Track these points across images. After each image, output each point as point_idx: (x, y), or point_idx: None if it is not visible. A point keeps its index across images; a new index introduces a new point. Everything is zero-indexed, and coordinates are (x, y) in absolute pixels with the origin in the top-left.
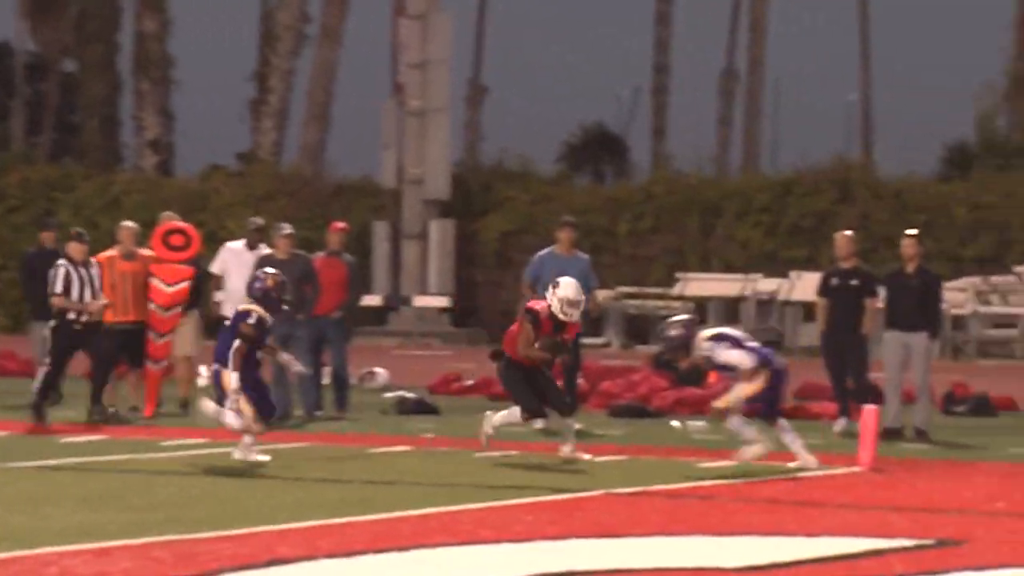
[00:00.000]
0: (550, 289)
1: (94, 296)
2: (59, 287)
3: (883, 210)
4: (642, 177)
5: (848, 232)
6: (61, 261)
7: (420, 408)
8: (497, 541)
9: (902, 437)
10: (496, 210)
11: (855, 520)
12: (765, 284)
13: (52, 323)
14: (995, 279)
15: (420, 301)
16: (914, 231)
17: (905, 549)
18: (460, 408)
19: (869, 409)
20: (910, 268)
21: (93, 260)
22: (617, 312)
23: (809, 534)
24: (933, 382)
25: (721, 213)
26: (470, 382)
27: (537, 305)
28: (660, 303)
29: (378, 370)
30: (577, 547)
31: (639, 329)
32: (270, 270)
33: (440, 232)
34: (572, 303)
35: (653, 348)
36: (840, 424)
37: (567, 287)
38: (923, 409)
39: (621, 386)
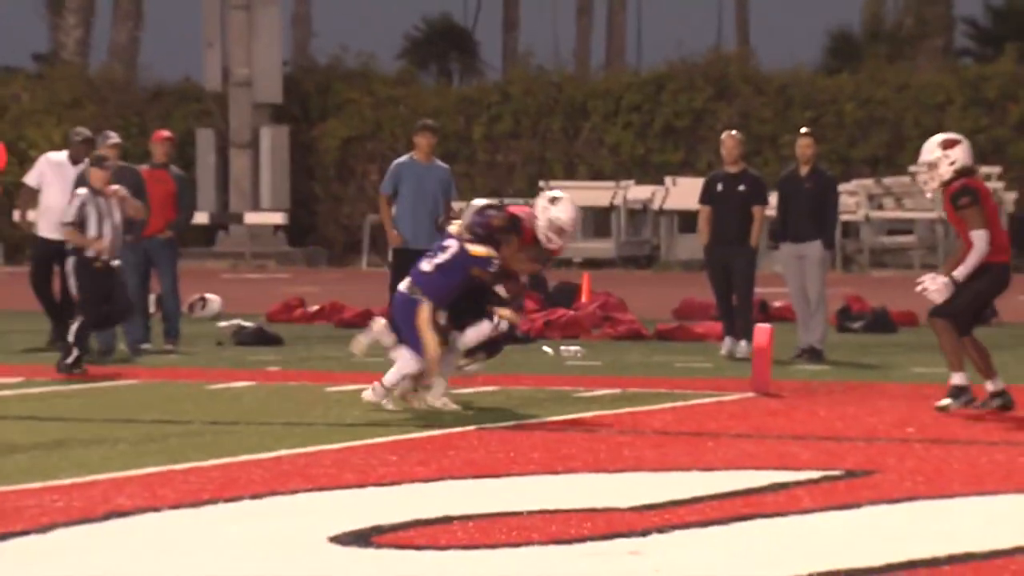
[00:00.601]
0: (542, 201)
1: (113, 231)
2: (72, 215)
3: (765, 107)
4: (493, 75)
5: (735, 132)
6: (81, 190)
7: (260, 338)
8: (362, 485)
9: (823, 358)
10: (335, 114)
11: (754, 451)
12: (637, 192)
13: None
14: (888, 181)
15: (252, 218)
16: (808, 130)
17: (812, 481)
18: (304, 337)
19: (762, 328)
20: (804, 171)
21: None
22: None
23: (706, 468)
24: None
25: (587, 114)
26: (314, 308)
27: (520, 211)
28: None
29: (209, 296)
30: (452, 489)
31: None
32: (493, 207)
33: (273, 140)
34: (562, 230)
35: None
36: (726, 345)
37: (566, 208)
38: (819, 326)
39: None
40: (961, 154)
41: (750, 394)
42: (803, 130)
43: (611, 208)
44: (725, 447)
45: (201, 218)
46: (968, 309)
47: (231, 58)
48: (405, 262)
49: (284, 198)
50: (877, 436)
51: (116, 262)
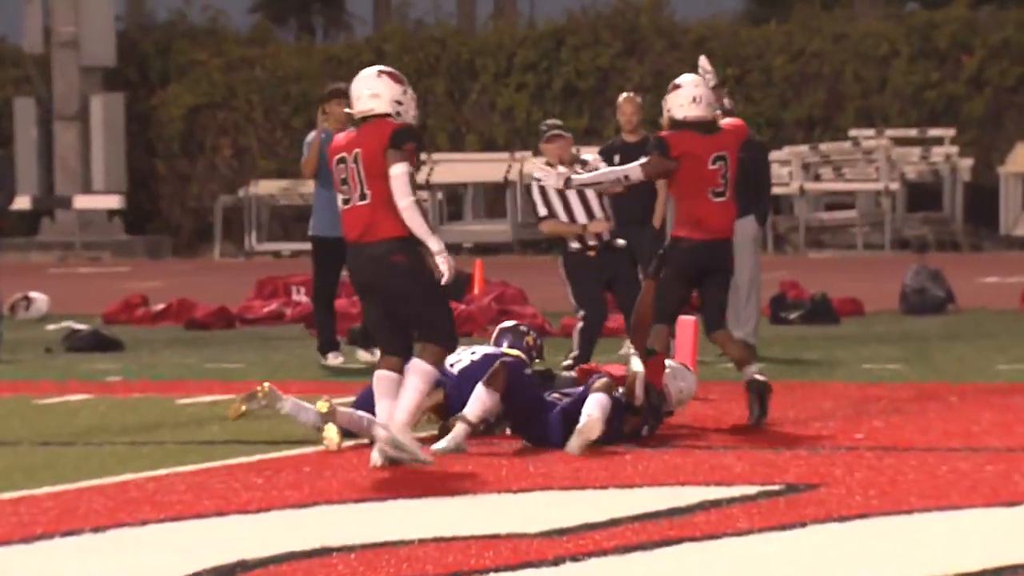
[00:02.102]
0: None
1: (588, 211)
2: (542, 209)
3: (682, 64)
4: (363, 31)
5: (633, 95)
6: (538, 173)
7: (97, 343)
8: (223, 513)
9: (755, 354)
10: (180, 79)
11: (680, 464)
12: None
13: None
14: (826, 147)
15: (82, 202)
16: (730, 90)
17: (748, 498)
18: (150, 341)
19: (685, 321)
20: None
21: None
22: None
23: (624, 484)
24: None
25: (475, 74)
26: (159, 306)
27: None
28: None
29: (34, 295)
30: (329, 516)
31: None
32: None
33: (105, 110)
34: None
35: None
36: (627, 345)
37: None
38: (750, 317)
39: (359, 304)
40: (674, 102)
41: None
42: (725, 90)
43: (505, 184)
44: (646, 460)
45: (22, 203)
46: (673, 300)
47: (54, 14)
48: (326, 253)
49: (120, 178)
50: (821, 444)
51: None
